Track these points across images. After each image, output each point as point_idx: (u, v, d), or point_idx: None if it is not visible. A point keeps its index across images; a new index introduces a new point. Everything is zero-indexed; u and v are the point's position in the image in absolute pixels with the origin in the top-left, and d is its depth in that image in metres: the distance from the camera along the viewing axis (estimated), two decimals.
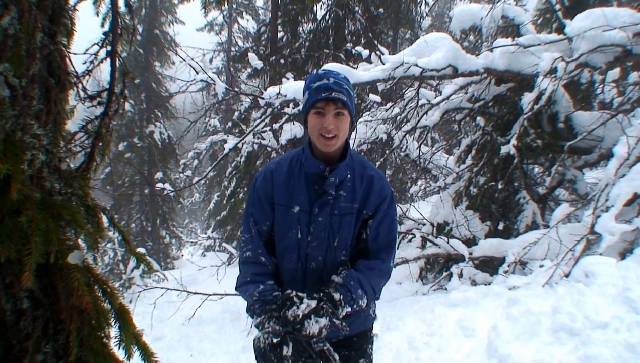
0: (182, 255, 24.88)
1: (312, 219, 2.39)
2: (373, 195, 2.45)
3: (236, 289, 2.52)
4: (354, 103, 2.37)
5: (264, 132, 12.53)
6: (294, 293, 2.29)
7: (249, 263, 2.46)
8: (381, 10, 16.28)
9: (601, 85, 8.35)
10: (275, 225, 2.47)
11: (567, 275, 5.57)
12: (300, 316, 2.20)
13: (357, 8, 15.38)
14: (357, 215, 2.44)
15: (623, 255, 5.73)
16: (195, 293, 8.49)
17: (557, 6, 8.84)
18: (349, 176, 2.43)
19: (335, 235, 2.42)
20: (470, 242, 8.12)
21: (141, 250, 8.81)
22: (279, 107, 9.08)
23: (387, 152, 10.91)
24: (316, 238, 2.41)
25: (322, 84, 2.31)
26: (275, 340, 2.22)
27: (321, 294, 2.31)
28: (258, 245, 2.46)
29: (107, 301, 2.01)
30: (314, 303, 2.25)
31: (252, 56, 14.51)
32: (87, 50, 2.26)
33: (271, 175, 2.45)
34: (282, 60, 15.09)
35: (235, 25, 29.38)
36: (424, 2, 18.02)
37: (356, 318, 2.53)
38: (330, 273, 2.44)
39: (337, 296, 2.29)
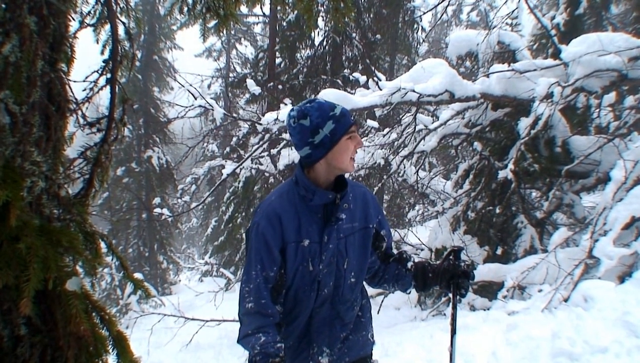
0: (180, 280, 24.69)
1: (323, 248, 2.35)
2: (371, 208, 2.51)
3: (238, 342, 2.38)
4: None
5: (262, 157, 12.53)
6: None
7: (252, 315, 2.31)
8: (378, 36, 16.46)
9: (597, 110, 8.40)
10: (286, 264, 2.36)
11: (566, 300, 5.55)
12: None
13: (354, 34, 15.52)
14: (363, 232, 2.46)
15: (622, 279, 5.72)
16: (193, 319, 8.44)
17: (553, 32, 8.95)
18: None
19: (345, 257, 2.40)
20: None
21: (139, 275, 8.77)
22: (277, 132, 9.11)
23: (384, 177, 10.94)
24: (327, 265, 2.37)
25: None
26: None
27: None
28: (261, 296, 2.31)
29: (104, 328, 2.00)
30: None
31: (250, 82, 14.62)
32: (87, 77, 2.27)
33: (279, 219, 2.33)
34: (280, 86, 15.21)
35: (234, 52, 29.59)
36: (420, 28, 18.25)
37: (355, 344, 2.52)
38: (340, 300, 2.44)
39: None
